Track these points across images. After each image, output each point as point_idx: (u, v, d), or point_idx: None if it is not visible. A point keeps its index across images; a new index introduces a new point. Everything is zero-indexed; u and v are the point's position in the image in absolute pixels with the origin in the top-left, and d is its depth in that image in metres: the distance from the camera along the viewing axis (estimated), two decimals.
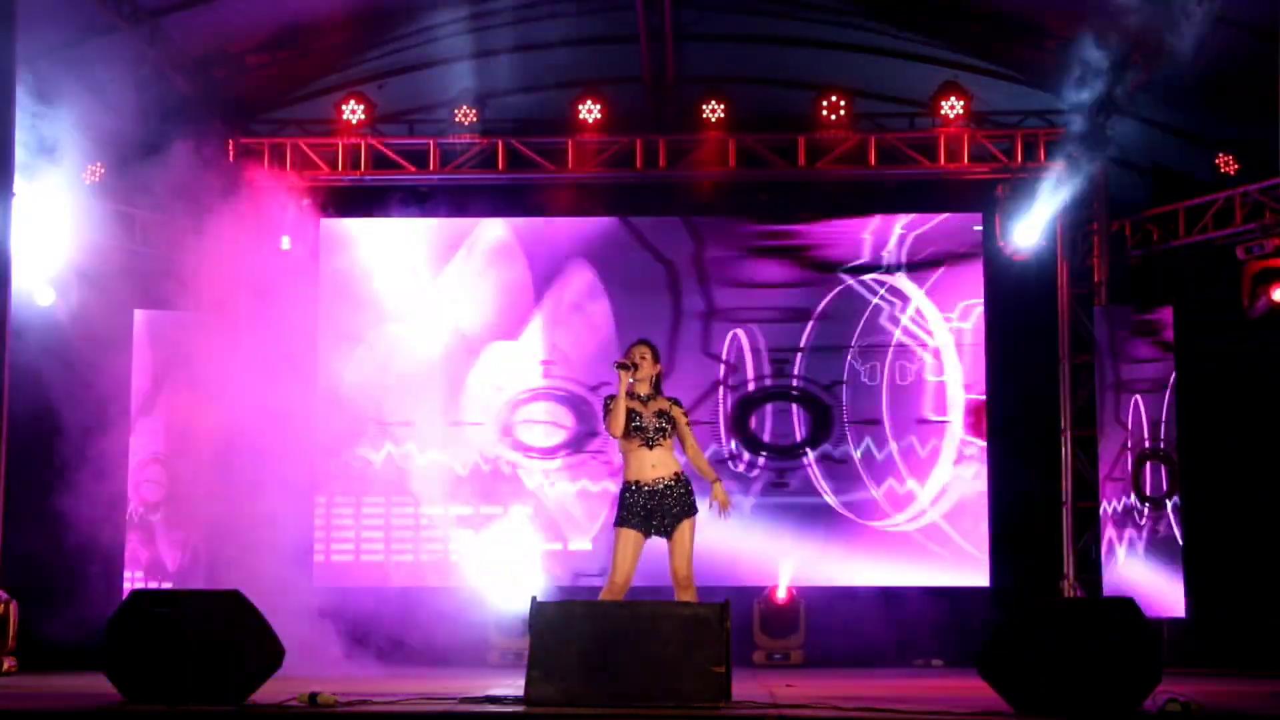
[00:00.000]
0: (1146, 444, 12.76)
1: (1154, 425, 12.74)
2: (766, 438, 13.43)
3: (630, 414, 7.80)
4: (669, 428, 7.82)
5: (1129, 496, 12.76)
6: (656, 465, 7.77)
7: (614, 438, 7.80)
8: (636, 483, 7.74)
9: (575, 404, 13.29)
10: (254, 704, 6.91)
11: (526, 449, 13.43)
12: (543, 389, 13.41)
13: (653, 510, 7.70)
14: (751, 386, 13.46)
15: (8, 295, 7.17)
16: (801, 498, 13.34)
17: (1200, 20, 10.99)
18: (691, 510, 7.77)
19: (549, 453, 13.39)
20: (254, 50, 12.70)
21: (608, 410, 7.79)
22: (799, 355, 13.49)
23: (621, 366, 7.82)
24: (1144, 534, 12.67)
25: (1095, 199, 13.13)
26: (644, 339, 8.07)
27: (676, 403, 7.97)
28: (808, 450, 13.38)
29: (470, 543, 13.38)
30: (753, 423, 13.44)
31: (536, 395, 13.43)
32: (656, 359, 7.97)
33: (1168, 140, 13.42)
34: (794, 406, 13.45)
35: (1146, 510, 12.68)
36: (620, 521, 7.72)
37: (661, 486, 7.74)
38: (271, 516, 12.19)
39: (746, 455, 13.40)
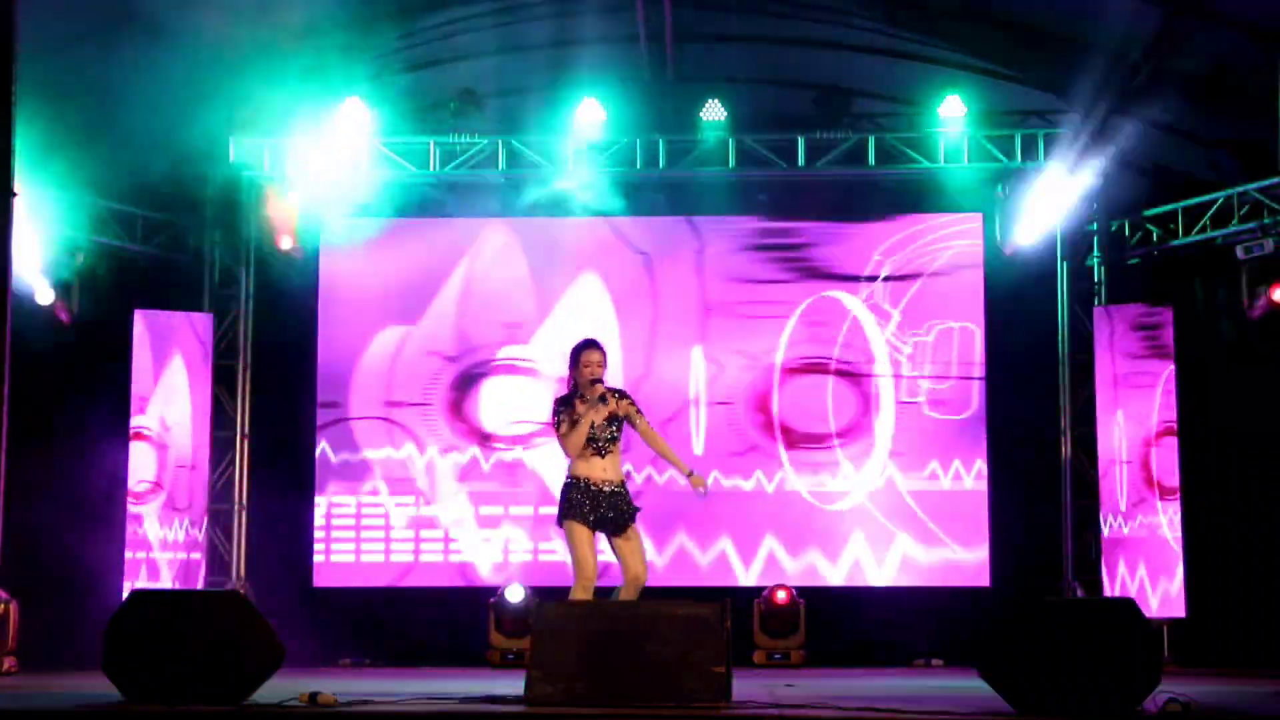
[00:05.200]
0: (1146, 443, 12.75)
1: (1154, 425, 12.74)
2: (767, 437, 13.43)
3: (562, 428, 7.75)
4: (619, 433, 7.77)
5: (1129, 496, 12.75)
6: (606, 469, 7.70)
7: (569, 457, 7.72)
8: (586, 480, 7.66)
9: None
10: (254, 704, 6.90)
11: (527, 449, 13.43)
12: (544, 389, 13.39)
13: (600, 509, 7.64)
14: (754, 385, 13.45)
15: (8, 295, 7.18)
16: (802, 498, 13.34)
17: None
18: (635, 512, 7.74)
19: (550, 452, 13.37)
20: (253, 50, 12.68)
21: (563, 425, 7.69)
22: (801, 354, 13.49)
23: (601, 399, 7.66)
24: (1144, 534, 12.67)
25: (1095, 199, 13.14)
26: (593, 341, 7.86)
27: (623, 395, 7.83)
28: (809, 449, 13.38)
29: (471, 543, 13.39)
30: (755, 423, 13.44)
31: (538, 395, 13.42)
32: (605, 359, 7.86)
33: (1168, 140, 13.42)
34: (796, 405, 13.45)
35: (1146, 509, 12.67)
36: (570, 515, 7.63)
37: (609, 490, 7.70)
38: None
39: (745, 454, 13.40)
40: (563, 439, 7.69)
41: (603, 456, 7.70)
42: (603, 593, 7.69)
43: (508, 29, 12.95)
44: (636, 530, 7.74)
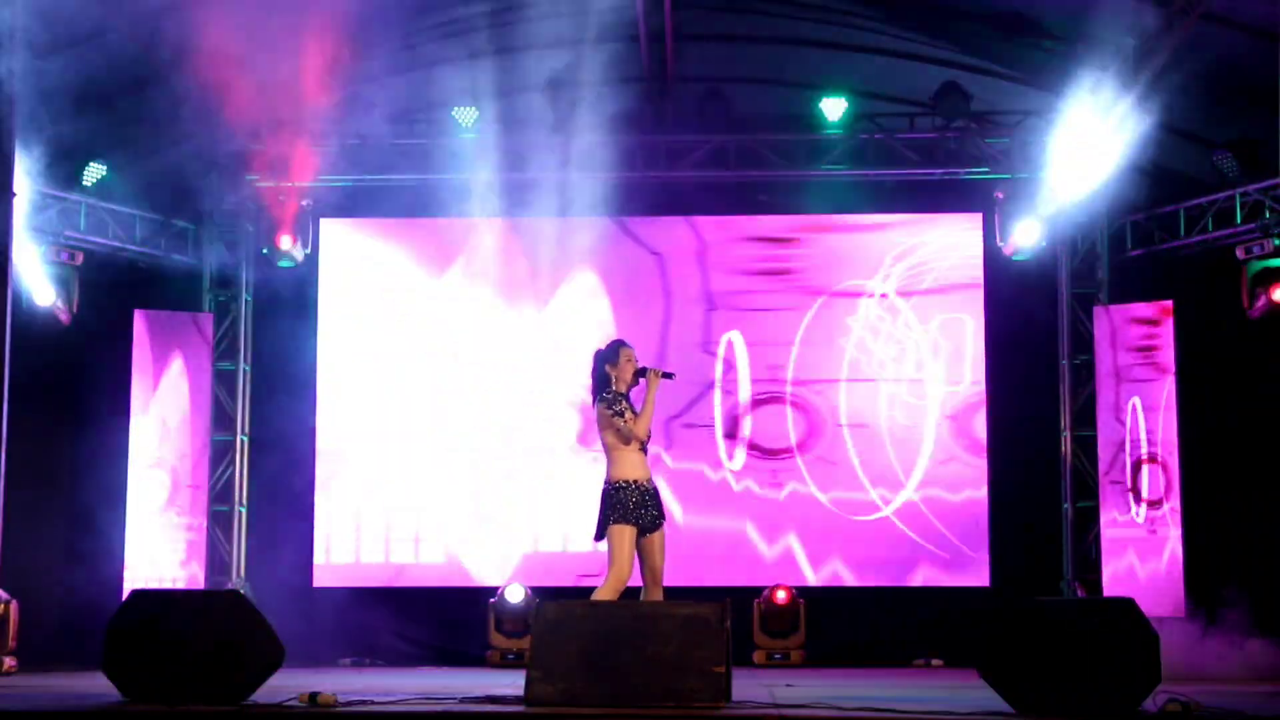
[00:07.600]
0: (1146, 444, 12.76)
1: (1154, 425, 12.74)
2: (762, 439, 13.43)
3: (626, 416, 7.82)
4: None
5: (1129, 496, 12.75)
6: (646, 466, 7.82)
7: (640, 439, 7.77)
8: (634, 481, 7.73)
9: (576, 403, 13.26)
10: (254, 704, 6.91)
11: (527, 449, 13.43)
12: (543, 388, 13.40)
13: (646, 507, 7.72)
14: (748, 387, 13.45)
15: (8, 295, 7.19)
16: (797, 499, 13.34)
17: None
18: (664, 515, 7.87)
19: (550, 452, 13.38)
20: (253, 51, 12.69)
21: (627, 411, 7.75)
22: (796, 355, 13.49)
23: (667, 375, 7.84)
24: (1144, 533, 12.66)
25: (1095, 199, 13.12)
26: (622, 340, 8.05)
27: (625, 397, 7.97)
28: (804, 451, 13.38)
29: (470, 543, 13.38)
30: (749, 423, 13.44)
31: (537, 394, 13.43)
32: None
33: (1168, 140, 13.42)
34: (790, 408, 13.45)
35: (1146, 510, 12.67)
36: (621, 519, 7.69)
37: (652, 486, 7.80)
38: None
39: (741, 456, 13.40)
40: (633, 423, 7.74)
41: (643, 451, 7.80)
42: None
43: (507, 29, 12.95)
44: (661, 531, 7.83)
